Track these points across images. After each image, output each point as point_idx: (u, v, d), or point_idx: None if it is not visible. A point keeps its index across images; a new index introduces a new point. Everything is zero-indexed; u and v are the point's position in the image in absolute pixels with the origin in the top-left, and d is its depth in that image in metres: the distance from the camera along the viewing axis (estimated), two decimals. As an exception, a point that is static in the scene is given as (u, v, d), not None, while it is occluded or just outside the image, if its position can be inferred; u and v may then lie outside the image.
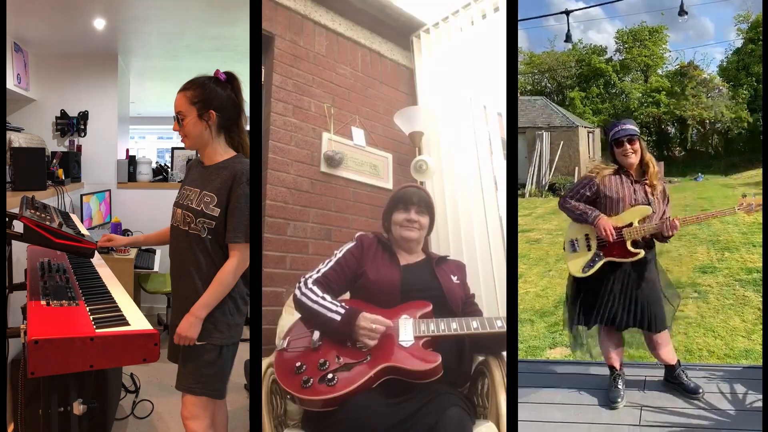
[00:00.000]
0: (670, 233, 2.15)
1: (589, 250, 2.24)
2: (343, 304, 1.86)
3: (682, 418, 2.15)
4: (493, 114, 3.18)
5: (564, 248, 2.33)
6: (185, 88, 1.93)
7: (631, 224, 2.18)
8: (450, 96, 3.20)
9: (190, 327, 1.87)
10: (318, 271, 1.97)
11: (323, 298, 1.86)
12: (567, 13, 5.97)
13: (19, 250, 2.53)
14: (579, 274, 2.24)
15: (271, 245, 2.69)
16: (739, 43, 15.03)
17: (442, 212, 3.08)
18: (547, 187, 11.21)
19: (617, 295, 2.22)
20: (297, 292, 1.91)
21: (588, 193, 2.27)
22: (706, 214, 2.24)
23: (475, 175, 3.03)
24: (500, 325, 1.79)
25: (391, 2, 3.30)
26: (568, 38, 6.53)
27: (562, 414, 2.23)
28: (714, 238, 5.71)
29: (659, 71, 15.83)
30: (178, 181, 4.89)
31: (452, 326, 1.80)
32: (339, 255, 2.03)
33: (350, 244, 2.07)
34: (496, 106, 3.16)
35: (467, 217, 2.99)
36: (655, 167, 2.26)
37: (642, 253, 2.18)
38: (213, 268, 1.91)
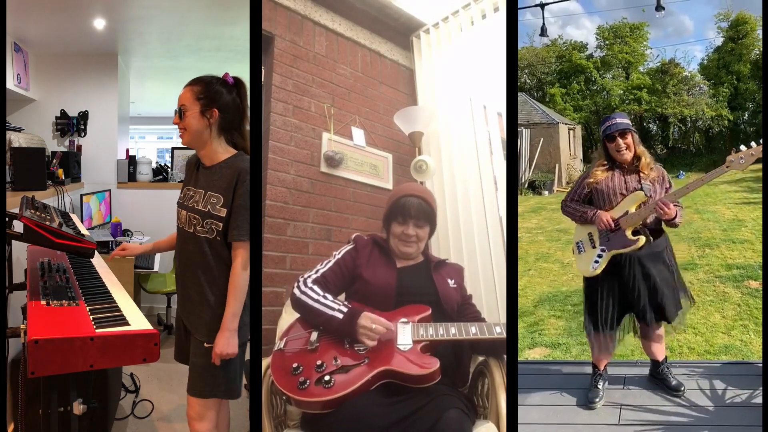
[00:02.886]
0: (664, 212, 2.11)
1: (594, 248, 2.24)
2: (344, 302, 1.86)
3: (662, 416, 2.15)
4: (493, 114, 3.18)
5: (573, 252, 2.34)
6: (192, 83, 1.93)
7: (627, 213, 2.19)
8: (450, 96, 3.20)
9: (227, 343, 1.87)
10: (317, 271, 1.97)
11: (324, 297, 1.86)
12: (542, 6, 5.83)
13: (19, 250, 2.53)
14: (588, 273, 2.24)
15: (271, 245, 2.69)
16: (719, 42, 15.07)
17: (442, 212, 3.08)
18: (526, 185, 11.08)
19: (617, 295, 2.22)
20: (296, 291, 1.90)
21: (585, 191, 2.29)
22: (697, 181, 2.11)
23: (475, 175, 3.03)
24: (499, 331, 1.78)
25: (391, 2, 3.29)
26: (543, 32, 6.42)
27: (540, 415, 2.22)
28: (695, 235, 5.73)
29: (640, 68, 15.79)
30: (179, 181, 4.89)
31: (451, 331, 1.79)
32: (338, 256, 2.03)
33: (348, 246, 2.07)
34: (496, 106, 3.16)
35: (467, 217, 2.99)
36: (648, 158, 2.24)
37: (642, 239, 2.17)
38: (222, 268, 1.91)
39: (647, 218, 2.19)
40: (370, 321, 1.77)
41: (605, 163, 2.27)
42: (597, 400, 2.24)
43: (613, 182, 2.23)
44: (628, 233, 2.18)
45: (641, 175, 2.21)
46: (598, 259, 2.22)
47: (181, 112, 1.91)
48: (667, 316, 2.24)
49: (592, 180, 2.26)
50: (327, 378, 1.69)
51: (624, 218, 2.18)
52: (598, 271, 2.21)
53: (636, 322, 2.30)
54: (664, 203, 2.11)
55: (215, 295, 1.91)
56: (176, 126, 1.94)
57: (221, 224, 1.88)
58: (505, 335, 1.78)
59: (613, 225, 2.19)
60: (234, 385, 1.97)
